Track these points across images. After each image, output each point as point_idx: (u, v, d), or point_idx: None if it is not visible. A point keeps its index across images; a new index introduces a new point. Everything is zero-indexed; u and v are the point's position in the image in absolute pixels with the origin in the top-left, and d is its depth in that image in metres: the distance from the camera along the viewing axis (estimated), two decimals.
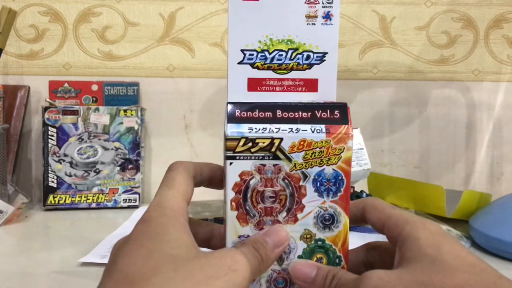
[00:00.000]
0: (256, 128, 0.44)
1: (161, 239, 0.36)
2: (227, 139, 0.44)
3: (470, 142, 1.18)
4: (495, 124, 1.19)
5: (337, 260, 0.46)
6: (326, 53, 0.48)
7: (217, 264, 0.35)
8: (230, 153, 0.44)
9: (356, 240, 0.80)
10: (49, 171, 1.04)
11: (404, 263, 0.37)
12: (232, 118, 0.45)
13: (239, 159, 0.44)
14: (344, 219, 0.45)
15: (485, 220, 0.80)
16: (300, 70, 0.48)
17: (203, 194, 1.10)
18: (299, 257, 0.46)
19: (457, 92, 1.18)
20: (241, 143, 0.44)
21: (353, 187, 0.91)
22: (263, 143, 0.44)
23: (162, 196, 0.40)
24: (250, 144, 0.44)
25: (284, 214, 0.45)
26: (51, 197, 1.04)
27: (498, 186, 1.19)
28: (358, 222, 0.46)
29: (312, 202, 0.45)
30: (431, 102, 1.17)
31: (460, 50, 1.17)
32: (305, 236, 0.46)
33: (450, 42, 1.17)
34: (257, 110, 0.45)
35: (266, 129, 0.45)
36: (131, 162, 1.07)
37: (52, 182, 1.04)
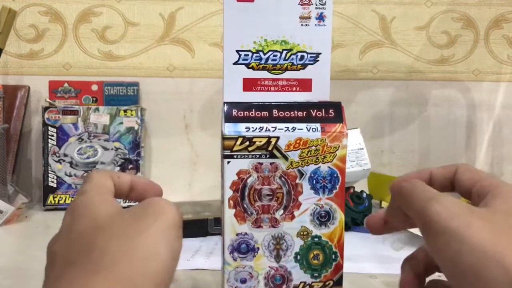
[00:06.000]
0: (253, 127, 0.45)
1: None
2: (224, 138, 0.44)
3: (470, 142, 1.18)
4: (495, 124, 1.19)
5: (333, 256, 0.47)
6: (320, 53, 0.48)
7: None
8: (227, 152, 0.45)
9: (356, 240, 0.80)
10: (49, 171, 1.04)
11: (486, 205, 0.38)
12: (229, 118, 0.45)
13: (237, 158, 0.45)
14: (340, 216, 0.46)
15: None
16: (294, 70, 0.48)
17: (203, 194, 1.10)
18: (296, 253, 0.46)
19: (457, 92, 1.17)
20: (239, 142, 0.45)
21: (353, 187, 0.91)
22: (260, 142, 0.45)
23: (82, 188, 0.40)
24: (247, 143, 0.45)
25: (281, 211, 0.46)
26: (51, 197, 1.04)
27: None
28: (445, 188, 0.45)
29: (308, 200, 0.46)
30: (431, 102, 1.17)
31: (460, 50, 1.17)
32: (301, 233, 0.46)
33: (450, 42, 1.17)
34: (253, 110, 0.46)
35: (262, 128, 0.45)
36: (131, 162, 1.07)
37: (52, 182, 1.04)
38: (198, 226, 0.82)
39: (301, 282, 0.47)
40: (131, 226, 0.34)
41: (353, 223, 0.85)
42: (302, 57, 0.48)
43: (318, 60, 0.49)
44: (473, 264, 0.33)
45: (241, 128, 0.45)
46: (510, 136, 1.19)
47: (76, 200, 0.38)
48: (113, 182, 0.42)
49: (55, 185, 1.04)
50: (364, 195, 0.89)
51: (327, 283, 0.48)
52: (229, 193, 0.45)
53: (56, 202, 1.04)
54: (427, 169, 0.44)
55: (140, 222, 0.34)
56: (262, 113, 0.46)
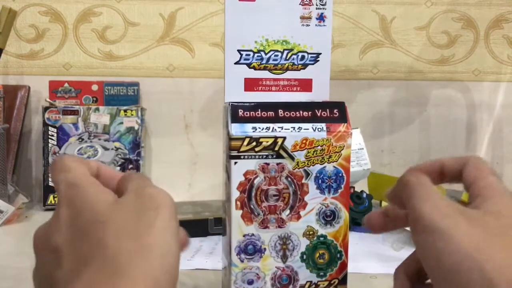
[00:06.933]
0: (259, 128, 0.45)
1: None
2: (231, 138, 0.44)
3: (470, 142, 1.19)
4: (495, 124, 1.19)
5: (338, 255, 0.47)
6: (320, 53, 0.49)
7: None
8: (234, 153, 0.45)
9: (356, 240, 0.81)
10: (49, 171, 1.04)
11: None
12: (235, 118, 0.45)
13: (244, 158, 0.45)
14: (345, 215, 0.46)
15: None
16: (295, 70, 0.49)
17: (203, 194, 1.10)
18: (302, 253, 0.46)
19: (457, 92, 1.18)
20: (246, 142, 0.45)
21: (353, 187, 0.91)
22: (267, 142, 0.45)
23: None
24: (254, 143, 0.45)
25: (288, 212, 0.46)
26: (51, 197, 1.04)
27: None
28: (455, 179, 0.45)
29: (314, 199, 0.46)
30: (431, 102, 1.17)
31: (460, 50, 1.17)
32: (307, 232, 0.46)
33: (450, 42, 1.17)
34: (259, 110, 0.46)
35: (269, 128, 0.45)
36: (131, 162, 1.07)
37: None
38: (198, 226, 0.82)
39: (307, 282, 0.47)
40: (136, 222, 0.33)
41: (353, 223, 0.85)
42: (302, 57, 0.49)
43: (318, 60, 0.49)
44: (454, 265, 0.33)
45: (248, 128, 0.45)
46: (510, 136, 1.19)
47: (69, 192, 0.37)
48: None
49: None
50: (364, 195, 0.90)
51: (332, 282, 0.48)
52: (236, 194, 0.45)
53: (56, 202, 1.03)
54: (440, 159, 0.44)
55: (143, 217, 0.34)
56: (268, 113, 0.46)
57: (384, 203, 0.97)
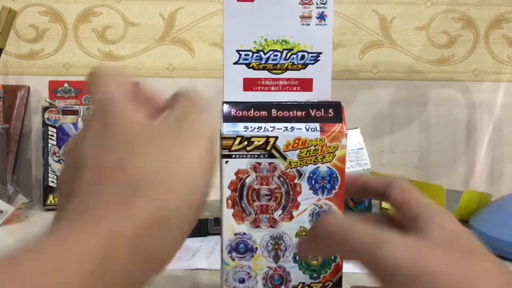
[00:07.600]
0: (251, 127, 0.45)
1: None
2: (222, 138, 0.45)
3: (470, 142, 1.18)
4: (495, 124, 1.18)
5: (332, 257, 0.46)
6: (321, 53, 0.48)
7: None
8: (226, 152, 0.45)
9: None
10: (49, 171, 1.04)
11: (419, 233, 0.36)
12: (227, 117, 0.46)
13: (235, 157, 0.45)
14: None
15: (485, 220, 0.80)
16: (295, 70, 0.48)
17: None
18: (295, 254, 0.46)
19: (457, 92, 1.17)
20: (237, 141, 0.45)
21: None
22: (259, 141, 0.45)
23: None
24: (245, 142, 0.45)
25: (280, 211, 0.46)
26: (51, 197, 1.04)
27: (498, 186, 1.18)
28: (375, 195, 0.43)
29: (307, 200, 0.46)
30: (431, 102, 1.17)
31: (460, 50, 1.17)
32: (300, 233, 0.46)
33: (450, 42, 1.16)
34: (252, 109, 0.46)
35: (261, 128, 0.45)
36: None
37: (52, 182, 1.04)
38: (198, 226, 0.82)
39: (299, 283, 0.47)
40: (167, 149, 0.31)
41: None
42: (302, 57, 0.48)
43: (319, 60, 0.49)
44: None
45: (240, 127, 0.45)
46: (510, 136, 1.19)
47: (103, 106, 0.34)
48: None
49: (55, 185, 1.04)
50: None
51: (326, 284, 0.48)
52: (227, 193, 0.45)
53: (56, 202, 1.03)
54: (364, 175, 0.43)
55: (175, 144, 0.32)
56: (261, 112, 0.46)
57: (384, 203, 0.97)
